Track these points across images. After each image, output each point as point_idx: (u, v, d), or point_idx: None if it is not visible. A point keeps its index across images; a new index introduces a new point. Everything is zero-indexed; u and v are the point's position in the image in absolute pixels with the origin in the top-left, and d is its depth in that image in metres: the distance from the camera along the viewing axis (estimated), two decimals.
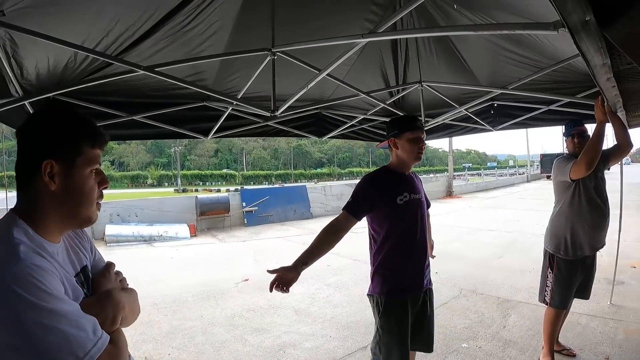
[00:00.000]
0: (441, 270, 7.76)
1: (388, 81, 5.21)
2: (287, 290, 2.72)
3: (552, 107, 5.43)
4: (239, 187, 31.37)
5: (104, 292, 1.34)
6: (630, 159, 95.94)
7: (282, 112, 4.16)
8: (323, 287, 7.53)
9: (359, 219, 2.90)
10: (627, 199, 19.02)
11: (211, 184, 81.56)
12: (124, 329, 1.31)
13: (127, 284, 1.52)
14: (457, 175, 47.28)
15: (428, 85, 4.97)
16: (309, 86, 3.82)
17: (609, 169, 4.35)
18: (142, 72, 3.16)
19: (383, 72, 5.08)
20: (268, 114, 4.05)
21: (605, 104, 3.86)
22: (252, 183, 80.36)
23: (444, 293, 6.81)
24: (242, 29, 3.57)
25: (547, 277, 4.19)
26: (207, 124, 5.34)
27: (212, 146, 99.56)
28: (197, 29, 3.33)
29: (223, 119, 5.15)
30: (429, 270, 3.15)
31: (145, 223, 14.71)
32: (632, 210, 15.91)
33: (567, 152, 4.28)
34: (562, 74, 4.47)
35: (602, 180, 4.11)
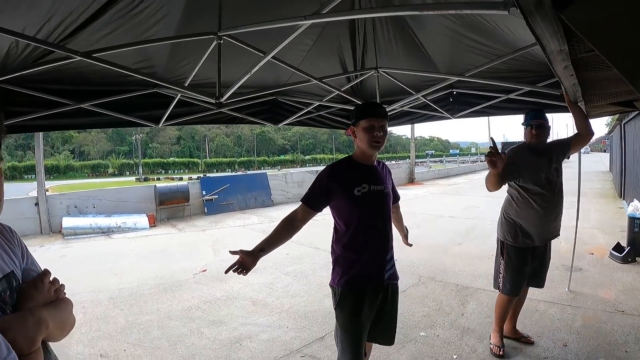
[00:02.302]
0: (400, 257, 7.48)
1: (346, 67, 5.10)
2: (245, 274, 2.75)
3: (512, 95, 5.45)
4: (201, 175, 30.88)
5: (25, 311, 1.24)
6: (589, 148, 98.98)
7: (227, 99, 4.00)
8: (281, 277, 7.41)
9: (317, 210, 2.86)
10: (586, 187, 19.68)
11: (174, 172, 79.74)
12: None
13: (63, 294, 1.43)
14: (420, 162, 47.70)
15: (384, 72, 4.88)
16: (253, 71, 3.64)
17: (568, 158, 4.33)
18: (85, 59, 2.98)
19: (341, 58, 4.96)
20: (213, 101, 3.92)
21: (565, 92, 3.85)
22: (215, 170, 79.16)
23: (403, 281, 6.35)
24: (190, 13, 3.40)
25: (500, 264, 4.21)
26: (159, 111, 5.11)
27: (175, 133, 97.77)
28: (145, 12, 3.15)
29: (173, 106, 4.96)
30: (393, 265, 3.05)
31: (103, 214, 14.20)
32: (591, 198, 16.37)
33: (525, 140, 4.23)
34: (521, 62, 4.46)
35: (557, 171, 4.09)
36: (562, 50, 1.76)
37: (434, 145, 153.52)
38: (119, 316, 5.86)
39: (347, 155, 3.11)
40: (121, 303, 6.39)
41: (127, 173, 78.98)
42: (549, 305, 5.47)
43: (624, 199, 15.12)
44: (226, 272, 2.73)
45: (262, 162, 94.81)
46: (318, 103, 5.94)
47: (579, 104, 3.99)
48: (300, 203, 2.86)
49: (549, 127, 4.13)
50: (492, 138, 3.67)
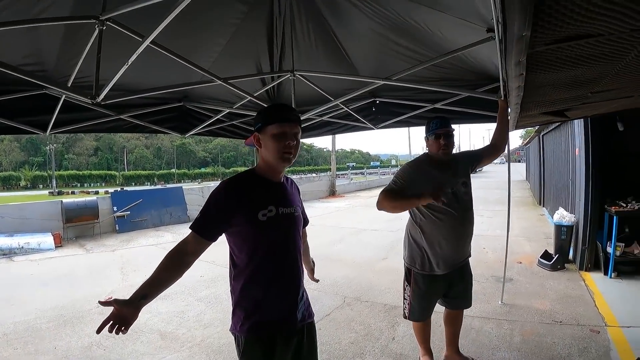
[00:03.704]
0: (323, 276, 7.07)
1: (261, 70, 4.69)
2: (125, 331, 1.98)
3: (438, 105, 5.29)
4: (118, 189, 29.27)
5: None
6: (504, 159, 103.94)
7: (108, 99, 3.53)
8: (194, 303, 6.61)
9: (212, 240, 2.19)
10: (506, 195, 20.05)
11: (90, 185, 76.32)
12: None
13: None
14: (341, 175, 47.98)
15: (301, 75, 4.45)
16: (130, 60, 3.07)
17: (476, 171, 4.02)
18: None
19: (257, 60, 4.55)
20: (89, 101, 3.34)
21: (502, 99, 3.67)
22: (133, 184, 76.29)
23: (327, 303, 6.20)
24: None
25: (405, 289, 3.76)
26: (48, 116, 4.44)
27: (92, 144, 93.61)
28: None
29: (59, 110, 4.33)
30: (306, 301, 2.52)
31: (4, 234, 12.68)
32: (512, 206, 16.68)
33: (427, 152, 3.71)
34: (449, 70, 4.33)
35: (465, 186, 3.63)
36: (523, 36, 1.40)
37: (355, 157, 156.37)
38: (12, 357, 5.03)
39: (247, 168, 2.45)
40: (15, 340, 5.47)
41: (41, 186, 74.40)
42: (485, 321, 5.20)
43: (543, 206, 15.72)
44: (98, 331, 1.97)
45: (182, 175, 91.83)
46: (228, 110, 5.43)
47: (512, 112, 3.73)
48: (190, 231, 2.18)
49: (454, 135, 3.62)
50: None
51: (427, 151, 3.69)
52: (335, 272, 7.81)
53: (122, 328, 1.97)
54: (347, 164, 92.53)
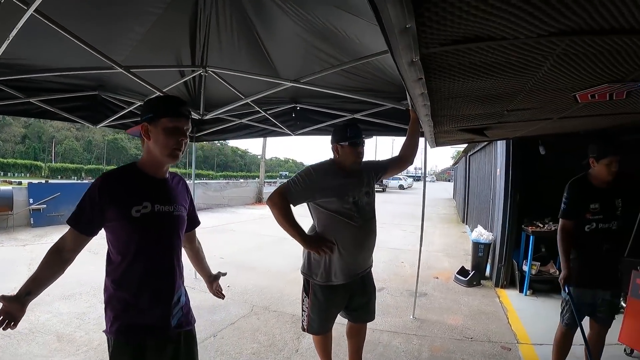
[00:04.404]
0: (234, 283, 7.00)
1: (180, 63, 4.45)
2: (14, 327, 1.98)
3: (357, 116, 5.26)
4: (43, 181, 27.57)
5: None
6: (435, 177, 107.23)
7: None
8: (97, 305, 5.94)
9: (90, 234, 2.08)
10: (433, 212, 20.71)
11: (14, 174, 72.31)
12: None
13: None
14: (271, 182, 47.63)
15: (213, 72, 4.29)
16: (11, 35, 2.78)
17: (381, 183, 3.95)
18: None
19: (177, 55, 4.33)
20: None
21: (411, 108, 3.57)
22: (59, 177, 72.67)
23: (233, 311, 5.83)
24: None
25: (304, 301, 3.59)
26: None
27: (20, 131, 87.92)
28: None
29: None
30: (184, 307, 2.33)
31: None
32: (437, 222, 17.13)
33: (336, 159, 3.45)
34: (370, 80, 4.30)
35: (368, 195, 3.44)
36: (407, 29, 1.26)
37: (289, 166, 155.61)
38: None
39: (131, 162, 2.27)
40: None
41: None
42: (393, 336, 5.06)
43: (466, 224, 16.18)
44: None
45: None
46: (139, 103, 5.08)
47: (426, 126, 3.64)
48: (68, 226, 2.09)
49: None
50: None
51: (332, 157, 3.50)
52: (248, 279, 7.51)
53: (12, 324, 1.97)
54: (280, 172, 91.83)
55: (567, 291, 3.27)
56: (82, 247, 2.11)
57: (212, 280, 2.88)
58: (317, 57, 4.11)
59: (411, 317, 5.72)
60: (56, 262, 2.07)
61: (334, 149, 3.43)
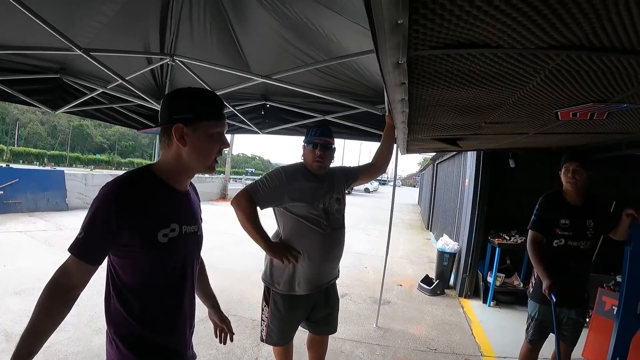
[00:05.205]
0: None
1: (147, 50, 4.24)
2: None
3: (329, 117, 5.16)
4: (4, 165, 26.54)
5: None
6: (400, 182, 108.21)
7: None
8: None
9: (100, 263, 1.62)
10: (397, 218, 20.70)
11: None
12: None
13: None
14: (237, 179, 47.18)
15: (181, 62, 4.01)
16: None
17: (350, 191, 3.84)
18: None
19: (145, 42, 4.10)
20: None
21: (388, 114, 3.45)
22: (21, 162, 70.81)
23: None
24: None
25: (263, 310, 3.38)
26: None
27: None
28: None
29: None
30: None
31: None
32: (401, 228, 17.18)
33: (303, 162, 3.32)
34: (345, 83, 4.22)
35: (339, 202, 3.29)
36: (399, 25, 1.12)
37: (256, 163, 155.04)
38: None
39: (142, 166, 1.77)
40: None
41: None
42: (356, 345, 4.95)
43: (431, 231, 16.35)
44: None
45: (75, 159, 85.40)
46: (102, 90, 4.81)
47: (400, 133, 3.56)
48: (70, 256, 1.58)
49: (335, 149, 3.31)
50: None
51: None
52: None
53: None
54: (246, 169, 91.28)
55: (554, 300, 3.18)
56: (88, 280, 1.62)
57: (217, 306, 2.57)
58: (292, 54, 3.98)
59: (374, 325, 5.62)
60: (59, 305, 1.59)
61: (302, 151, 3.31)
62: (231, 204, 3.07)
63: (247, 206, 3.01)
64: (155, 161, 1.79)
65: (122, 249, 1.62)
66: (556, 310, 3.21)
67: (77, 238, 1.57)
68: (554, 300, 3.14)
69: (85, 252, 1.57)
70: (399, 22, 1.06)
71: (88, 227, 1.56)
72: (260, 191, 3.05)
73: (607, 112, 2.49)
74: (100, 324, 4.58)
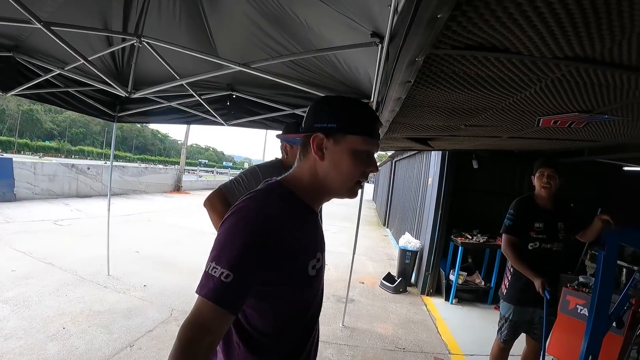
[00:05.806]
0: (151, 282, 6.34)
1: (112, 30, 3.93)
2: None
3: (297, 111, 5.01)
4: None
5: None
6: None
7: None
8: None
9: (239, 312, 1.24)
10: (353, 213, 20.54)
11: None
12: None
13: None
14: (190, 170, 46.39)
15: (148, 44, 3.65)
16: None
17: None
18: None
19: (107, 18, 3.80)
20: None
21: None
22: None
23: (151, 316, 5.08)
24: None
25: None
26: None
27: None
28: None
29: None
30: None
31: None
32: (360, 224, 17.07)
33: (284, 159, 3.25)
34: (319, 76, 4.04)
35: None
36: (437, 19, 1.09)
37: (209, 155, 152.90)
38: None
39: (273, 182, 1.48)
40: None
41: None
42: (325, 346, 4.85)
43: (388, 227, 16.45)
44: None
45: (23, 145, 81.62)
46: (59, 71, 4.44)
47: (381, 132, 3.53)
48: (203, 301, 1.18)
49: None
50: None
51: (280, 157, 3.29)
52: (166, 278, 6.80)
53: None
54: (200, 160, 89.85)
55: (548, 297, 3.22)
56: (225, 331, 1.23)
57: None
58: (265, 42, 3.76)
59: (341, 325, 5.56)
60: None
61: (283, 148, 3.19)
62: (204, 205, 2.89)
63: (221, 208, 2.81)
64: (283, 176, 1.50)
65: (264, 288, 1.28)
66: (548, 306, 3.28)
67: (219, 280, 1.18)
68: (548, 297, 3.20)
69: (230, 298, 1.19)
70: (438, 16, 0.99)
71: (236, 264, 1.20)
72: (236, 191, 2.92)
73: (587, 122, 2.54)
74: (53, 329, 4.34)
